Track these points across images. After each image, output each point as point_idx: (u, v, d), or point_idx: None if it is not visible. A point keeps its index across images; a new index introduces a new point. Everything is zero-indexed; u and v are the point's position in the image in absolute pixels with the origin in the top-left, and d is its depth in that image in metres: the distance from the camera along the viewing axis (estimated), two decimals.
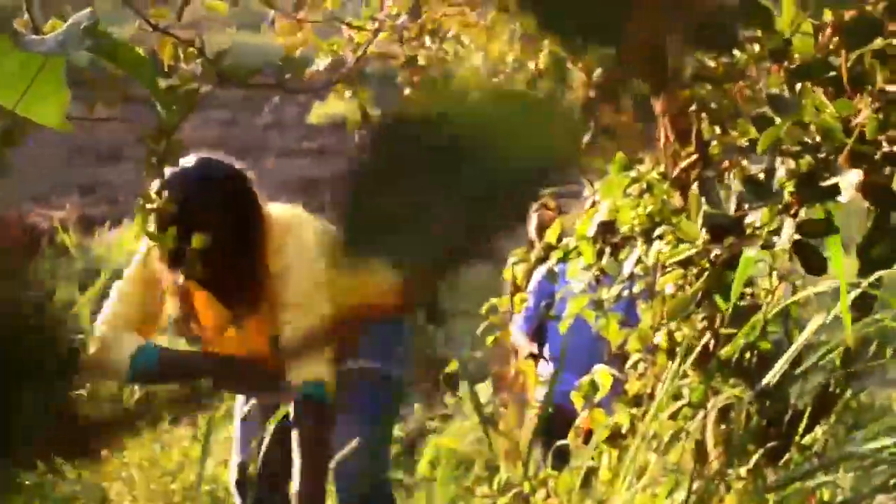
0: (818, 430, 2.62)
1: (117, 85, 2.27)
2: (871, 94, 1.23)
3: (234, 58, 2.23)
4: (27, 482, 3.31)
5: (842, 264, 1.41)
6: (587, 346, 3.30)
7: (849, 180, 1.32)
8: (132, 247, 9.52)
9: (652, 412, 2.25)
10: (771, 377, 2.31)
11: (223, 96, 14.47)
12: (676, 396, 2.43)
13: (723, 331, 1.98)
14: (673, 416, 2.41)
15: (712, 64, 2.18)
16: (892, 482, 2.24)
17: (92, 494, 3.82)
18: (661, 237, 2.19)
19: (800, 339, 2.33)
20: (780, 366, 2.31)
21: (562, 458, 2.98)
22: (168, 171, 2.29)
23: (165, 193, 2.38)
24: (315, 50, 2.08)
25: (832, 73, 1.26)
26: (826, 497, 2.47)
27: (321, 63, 2.04)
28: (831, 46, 1.26)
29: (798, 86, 1.28)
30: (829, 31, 1.26)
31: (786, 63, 1.28)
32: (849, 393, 2.78)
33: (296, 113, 14.59)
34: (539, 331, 4.33)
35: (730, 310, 1.84)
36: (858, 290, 2.13)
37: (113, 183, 12.87)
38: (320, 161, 13.46)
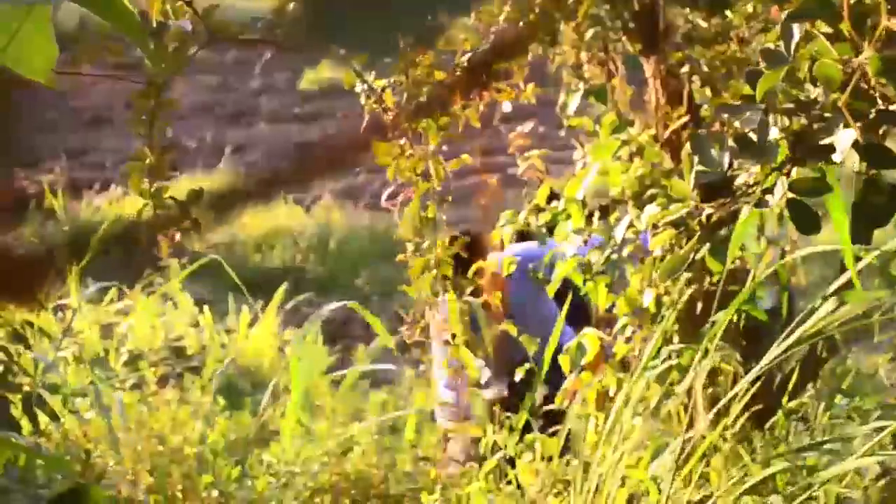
0: (804, 395, 2.63)
1: (101, 41, 2.24)
2: (873, 34, 1.20)
3: (224, 16, 2.19)
4: (12, 441, 3.29)
5: (846, 226, 1.39)
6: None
7: (844, 139, 1.31)
8: (117, 210, 9.48)
9: (637, 372, 2.24)
10: (771, 358, 2.29)
11: (213, 61, 14.37)
12: (665, 360, 2.43)
13: (712, 288, 1.98)
14: (661, 380, 2.41)
15: (704, 25, 2.16)
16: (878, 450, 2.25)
17: (77, 455, 3.81)
18: (652, 199, 2.18)
19: (810, 320, 2.31)
20: (781, 345, 2.28)
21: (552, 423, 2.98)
22: None
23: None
24: None
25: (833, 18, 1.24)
26: (811, 461, 2.47)
27: None
28: None
29: (795, 39, 1.26)
30: None
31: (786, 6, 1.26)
32: (836, 359, 2.79)
33: (286, 78, 14.51)
34: None
35: (724, 273, 1.84)
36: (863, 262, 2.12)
37: (101, 147, 12.80)
38: (311, 126, 13.39)
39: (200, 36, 2.18)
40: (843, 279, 2.20)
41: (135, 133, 2.27)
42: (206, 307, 6.02)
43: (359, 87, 2.18)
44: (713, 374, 2.41)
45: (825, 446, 2.49)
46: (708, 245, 1.90)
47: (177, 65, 2.20)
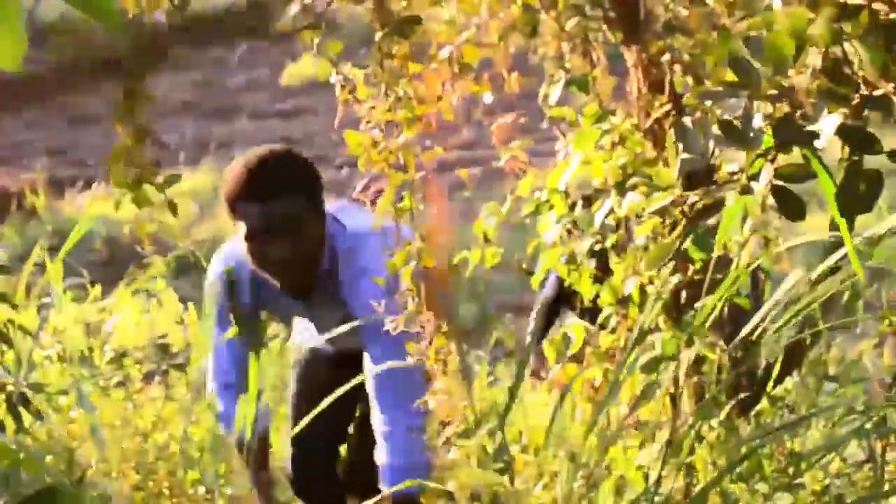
0: (789, 383, 2.64)
1: (81, 34, 2.24)
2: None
3: (197, 8, 2.19)
4: None
5: (834, 198, 1.38)
6: None
7: (827, 124, 1.31)
8: (101, 209, 9.43)
9: (625, 364, 2.24)
10: (745, 334, 2.30)
11: (194, 58, 14.32)
12: (649, 349, 2.43)
13: (696, 277, 1.98)
14: (646, 369, 2.40)
15: (685, 12, 2.16)
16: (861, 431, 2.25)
17: (61, 454, 3.80)
18: (634, 188, 2.18)
19: (775, 296, 2.33)
20: (755, 323, 2.30)
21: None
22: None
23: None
24: None
25: None
26: (797, 448, 2.48)
27: (293, 8, 2.00)
28: None
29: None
30: None
31: None
32: (820, 346, 2.79)
33: (268, 74, 14.47)
34: None
35: (711, 262, 1.83)
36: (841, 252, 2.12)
37: (82, 145, 12.73)
38: (293, 122, 13.36)
39: (176, 28, 2.18)
40: (826, 264, 2.21)
41: (116, 127, 2.26)
42: (190, 304, 6.00)
43: (333, 78, 2.18)
44: (698, 362, 2.41)
45: (810, 435, 2.50)
46: (691, 234, 1.90)
47: (155, 57, 2.20)
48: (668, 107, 2.30)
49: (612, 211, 2.34)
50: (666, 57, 2.28)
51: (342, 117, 2.14)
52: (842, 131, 1.35)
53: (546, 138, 3.16)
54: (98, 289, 5.85)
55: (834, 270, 2.32)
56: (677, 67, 2.39)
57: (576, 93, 2.67)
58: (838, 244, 2.17)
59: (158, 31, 2.10)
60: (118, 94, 2.12)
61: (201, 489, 3.89)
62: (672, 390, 2.41)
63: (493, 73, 2.47)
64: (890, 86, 1.29)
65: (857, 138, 1.34)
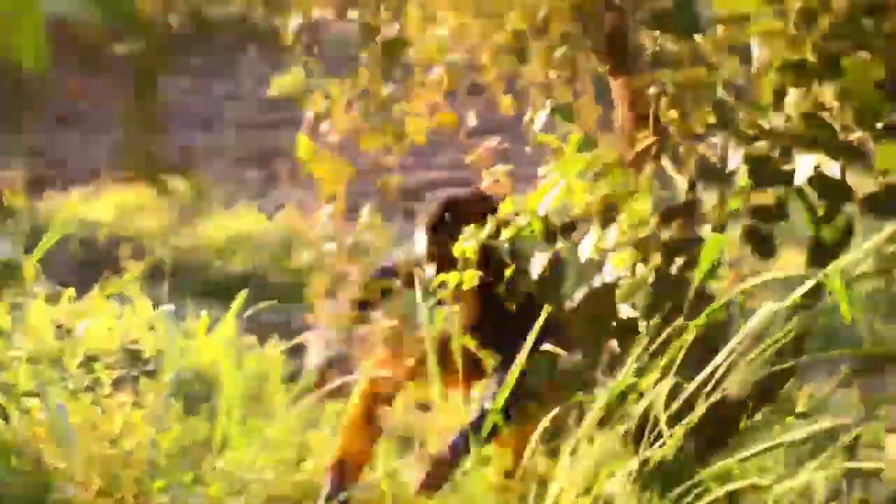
0: (757, 417, 2.65)
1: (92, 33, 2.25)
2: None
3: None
4: None
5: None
6: None
7: (803, 165, 1.33)
8: (79, 210, 9.40)
9: (606, 397, 2.25)
10: (713, 367, 2.32)
11: (184, 63, 14.32)
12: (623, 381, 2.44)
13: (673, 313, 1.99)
14: (620, 400, 2.42)
15: (674, 48, 2.18)
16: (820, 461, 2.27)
17: (28, 455, 3.77)
18: (613, 219, 2.19)
19: (743, 330, 2.35)
20: (723, 357, 2.32)
21: None
22: None
23: None
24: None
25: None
26: (763, 484, 2.49)
27: (293, 23, 2.02)
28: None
29: (754, 67, 1.28)
30: None
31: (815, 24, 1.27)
32: (790, 383, 2.81)
33: (252, 86, 14.47)
34: None
35: (691, 295, 1.85)
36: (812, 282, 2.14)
37: (62, 146, 12.69)
38: (277, 133, 13.36)
39: (169, 35, 2.19)
40: (789, 300, 2.23)
41: (125, 126, 2.26)
42: (163, 310, 5.97)
43: (310, 87, 2.19)
44: (672, 394, 2.42)
45: (777, 470, 2.51)
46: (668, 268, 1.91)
47: (162, 59, 2.22)
48: (652, 140, 2.32)
49: (595, 243, 2.35)
50: (652, 90, 2.31)
51: (310, 129, 2.14)
52: (815, 182, 1.36)
53: (528, 162, 3.17)
54: (72, 291, 5.81)
55: (808, 306, 2.33)
56: (663, 101, 2.41)
57: (560, 121, 2.69)
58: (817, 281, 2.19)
59: (169, 34, 2.11)
60: (130, 93, 2.13)
61: (166, 498, 3.86)
62: (645, 421, 2.42)
63: (479, 96, 2.48)
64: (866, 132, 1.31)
65: (830, 188, 1.36)
